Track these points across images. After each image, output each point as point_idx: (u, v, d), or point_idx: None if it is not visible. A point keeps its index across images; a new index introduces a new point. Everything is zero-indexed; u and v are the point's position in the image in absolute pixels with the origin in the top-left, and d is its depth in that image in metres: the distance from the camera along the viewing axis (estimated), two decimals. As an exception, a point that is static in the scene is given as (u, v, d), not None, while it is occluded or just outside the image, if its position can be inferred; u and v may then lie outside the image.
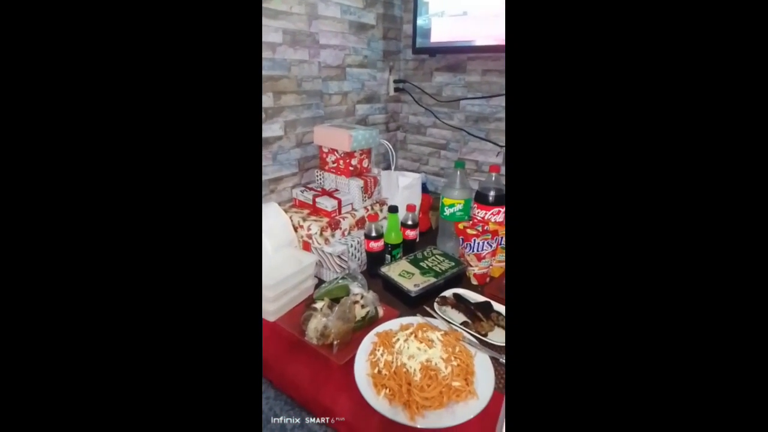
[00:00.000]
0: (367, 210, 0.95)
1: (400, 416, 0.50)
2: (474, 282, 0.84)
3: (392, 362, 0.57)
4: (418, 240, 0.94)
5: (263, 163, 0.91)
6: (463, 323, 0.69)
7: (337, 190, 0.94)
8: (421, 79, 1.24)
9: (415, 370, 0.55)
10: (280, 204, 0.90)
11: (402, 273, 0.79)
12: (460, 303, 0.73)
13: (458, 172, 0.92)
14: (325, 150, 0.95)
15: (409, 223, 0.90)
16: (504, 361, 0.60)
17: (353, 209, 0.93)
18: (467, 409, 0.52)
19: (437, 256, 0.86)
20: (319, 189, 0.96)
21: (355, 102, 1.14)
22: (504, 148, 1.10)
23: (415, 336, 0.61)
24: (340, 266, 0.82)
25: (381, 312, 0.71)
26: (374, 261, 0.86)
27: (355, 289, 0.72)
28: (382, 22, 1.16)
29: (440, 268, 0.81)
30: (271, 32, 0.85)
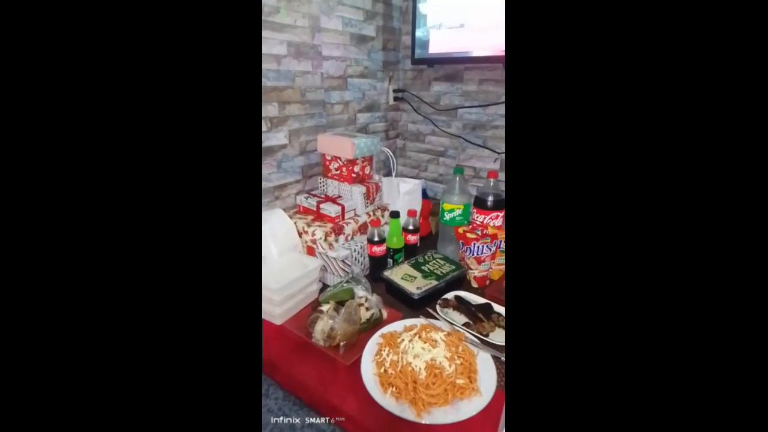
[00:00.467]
0: (370, 215, 0.97)
1: (407, 413, 0.52)
2: (474, 285, 0.87)
3: (398, 361, 0.59)
4: (418, 244, 0.96)
5: (269, 171, 0.94)
6: (465, 324, 0.71)
7: (340, 196, 0.97)
8: (419, 89, 1.28)
9: (420, 368, 0.57)
10: (284, 210, 0.92)
11: (404, 276, 0.81)
12: (461, 305, 0.75)
13: (457, 178, 0.95)
14: (329, 157, 0.98)
15: (410, 227, 0.93)
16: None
17: (356, 215, 0.95)
18: (471, 406, 0.54)
19: (438, 259, 0.88)
20: (322, 195, 0.98)
21: (356, 111, 1.17)
22: (501, 154, 1.14)
23: (419, 336, 0.63)
24: (344, 270, 0.84)
25: (385, 314, 0.73)
26: (377, 265, 0.88)
27: (360, 292, 0.74)
28: (381, 34, 1.19)
29: (441, 272, 0.83)
30: (276, 45, 0.88)
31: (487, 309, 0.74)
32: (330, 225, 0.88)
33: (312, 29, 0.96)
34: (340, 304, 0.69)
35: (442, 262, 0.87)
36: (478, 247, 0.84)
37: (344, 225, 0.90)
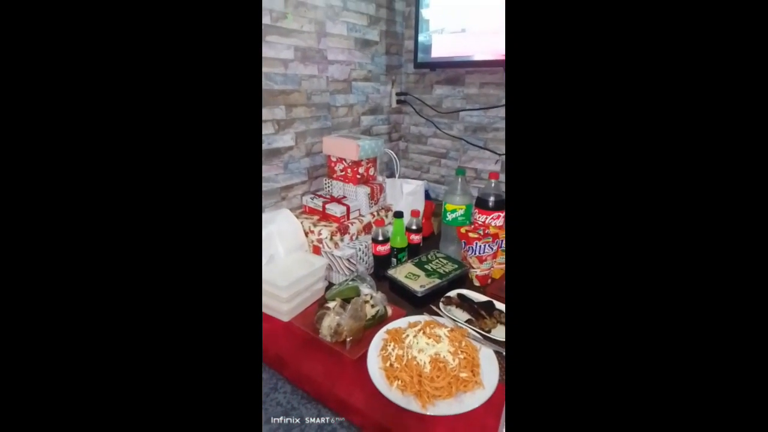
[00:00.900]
0: (374, 215, 0.99)
1: (413, 405, 0.54)
2: (476, 283, 0.89)
3: (403, 356, 0.61)
4: (421, 244, 0.98)
5: (275, 172, 0.96)
6: (468, 321, 0.73)
7: (345, 197, 0.99)
8: (422, 92, 1.31)
9: (425, 362, 0.59)
10: (290, 210, 0.95)
11: (408, 275, 0.83)
12: (464, 302, 0.77)
13: (459, 179, 0.97)
14: (334, 159, 1.00)
15: (414, 227, 0.95)
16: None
17: (360, 215, 0.98)
18: (474, 398, 0.56)
19: (440, 259, 0.90)
20: (328, 196, 1.00)
21: (360, 114, 1.20)
22: (502, 156, 1.16)
23: (424, 332, 0.65)
24: (349, 269, 0.87)
25: (390, 311, 0.75)
26: (381, 264, 0.90)
27: (365, 289, 0.76)
28: (385, 38, 1.22)
29: (444, 270, 0.85)
30: (283, 49, 0.90)
31: (489, 306, 0.75)
32: (335, 225, 0.90)
33: (318, 34, 0.98)
34: (346, 301, 0.71)
35: (445, 261, 0.89)
36: (480, 246, 0.86)
37: (349, 225, 0.92)
